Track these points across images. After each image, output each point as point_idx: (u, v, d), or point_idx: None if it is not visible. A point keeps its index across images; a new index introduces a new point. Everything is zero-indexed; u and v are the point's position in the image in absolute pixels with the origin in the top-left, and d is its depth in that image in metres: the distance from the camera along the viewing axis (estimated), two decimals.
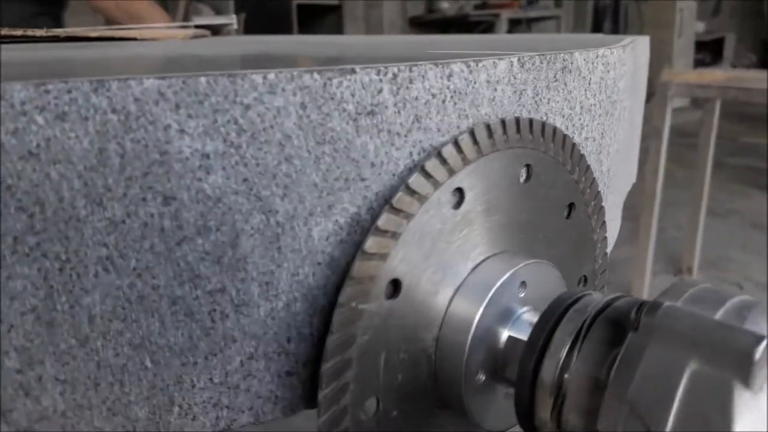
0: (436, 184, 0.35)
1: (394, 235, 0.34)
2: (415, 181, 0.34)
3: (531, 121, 0.39)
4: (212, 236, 0.31)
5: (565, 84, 0.42)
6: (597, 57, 0.44)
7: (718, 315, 0.28)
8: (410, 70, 0.33)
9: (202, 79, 0.29)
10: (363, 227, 0.35)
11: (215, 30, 1.33)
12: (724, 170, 4.45)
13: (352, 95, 0.32)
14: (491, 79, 0.36)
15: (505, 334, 0.38)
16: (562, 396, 0.32)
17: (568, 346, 0.33)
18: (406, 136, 0.34)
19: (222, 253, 0.31)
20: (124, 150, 0.28)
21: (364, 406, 0.35)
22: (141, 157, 0.29)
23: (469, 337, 0.37)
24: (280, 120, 0.31)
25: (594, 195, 0.46)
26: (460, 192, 0.37)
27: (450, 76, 0.35)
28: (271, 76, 0.30)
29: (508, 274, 0.38)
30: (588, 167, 0.45)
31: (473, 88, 0.36)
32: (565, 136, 0.42)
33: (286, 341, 0.34)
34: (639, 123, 0.76)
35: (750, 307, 0.29)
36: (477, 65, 0.35)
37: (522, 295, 0.39)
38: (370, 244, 0.33)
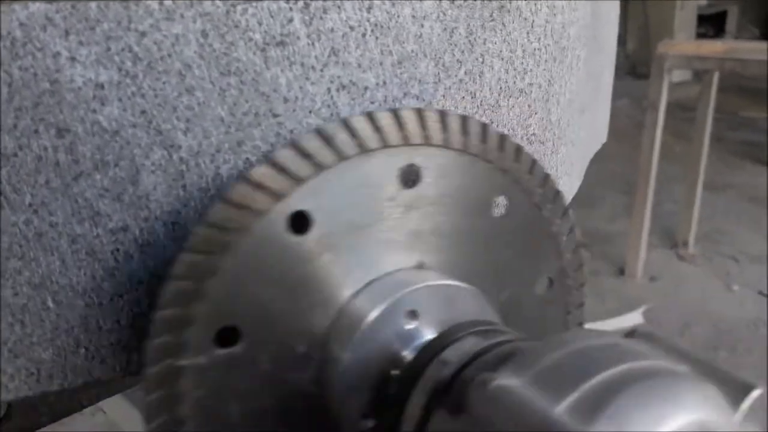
0: (263, 207, 0.30)
1: (209, 273, 0.29)
2: (239, 194, 0.29)
3: (419, 111, 0.33)
4: (111, 172, 0.30)
5: (504, 25, 0.40)
6: None
7: (561, 407, 0.23)
8: None
9: (93, 4, 0.28)
10: None
11: None
12: (723, 144, 4.40)
13: (259, 24, 0.30)
14: (417, 14, 0.35)
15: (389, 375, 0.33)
16: None
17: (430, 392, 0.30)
18: (321, 70, 0.33)
19: (122, 190, 0.30)
20: (11, 78, 0.27)
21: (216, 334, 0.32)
22: (30, 86, 0.28)
23: (344, 385, 0.33)
24: (179, 48, 0.29)
25: (541, 181, 0.39)
26: (301, 216, 0.31)
27: (370, 8, 0.33)
28: (168, 2, 0.29)
29: (384, 306, 0.33)
30: (520, 149, 0.38)
31: (396, 22, 0.34)
32: (466, 119, 0.35)
33: None
34: (608, 81, 0.74)
35: (619, 390, 0.23)
36: None
37: (411, 326, 0.34)
38: (167, 295, 0.29)
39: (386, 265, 0.34)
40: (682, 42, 3.31)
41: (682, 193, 3.09)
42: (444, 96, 0.38)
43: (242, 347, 0.31)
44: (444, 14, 0.37)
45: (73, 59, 0.28)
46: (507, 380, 0.25)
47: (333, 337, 0.33)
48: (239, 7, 0.30)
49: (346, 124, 0.31)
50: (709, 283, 2.75)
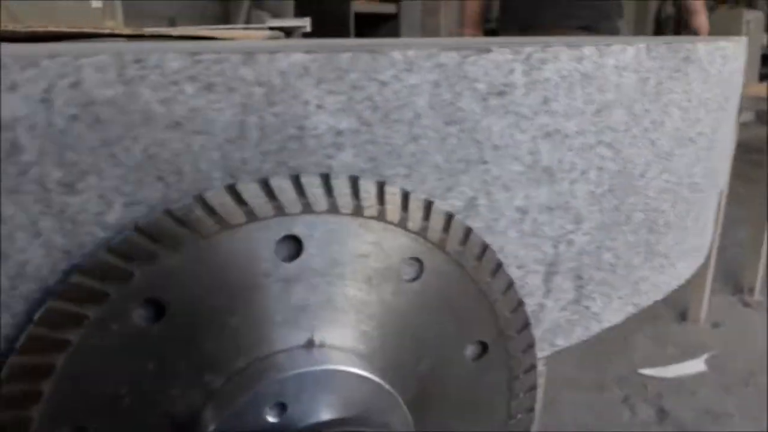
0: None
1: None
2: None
3: (295, 178, 0.30)
4: None
5: (687, 74, 0.40)
6: (716, 49, 0.42)
7: None
8: (543, 51, 0.32)
9: (345, 55, 0.29)
10: (478, 212, 0.34)
11: (288, 32, 1.36)
12: None
13: (485, 74, 0.31)
14: (619, 65, 0.35)
15: None
16: None
17: None
18: (532, 118, 0.33)
19: None
20: (263, 123, 0.29)
21: None
22: (279, 131, 0.29)
23: None
24: (413, 98, 0.30)
25: (461, 237, 0.34)
26: (153, 303, 0.28)
27: (581, 59, 0.34)
28: (411, 53, 0.30)
29: (247, 398, 0.29)
30: (430, 206, 0.33)
31: (602, 72, 0.35)
32: (356, 180, 0.31)
33: None
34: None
35: None
36: (607, 49, 0.35)
37: (274, 421, 0.30)
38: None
39: (266, 346, 0.30)
40: (748, 83, 3.26)
41: (747, 238, 3.00)
42: (630, 144, 0.38)
43: None
44: (640, 65, 0.37)
45: (320, 107, 0.29)
46: None
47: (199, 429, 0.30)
48: (470, 58, 0.31)
49: (202, 201, 0.28)
50: None
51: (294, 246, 0.30)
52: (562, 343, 0.40)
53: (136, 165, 0.27)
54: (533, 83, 0.33)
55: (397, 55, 0.30)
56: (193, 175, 0.28)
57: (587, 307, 0.40)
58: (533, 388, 0.39)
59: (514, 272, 0.36)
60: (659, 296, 0.47)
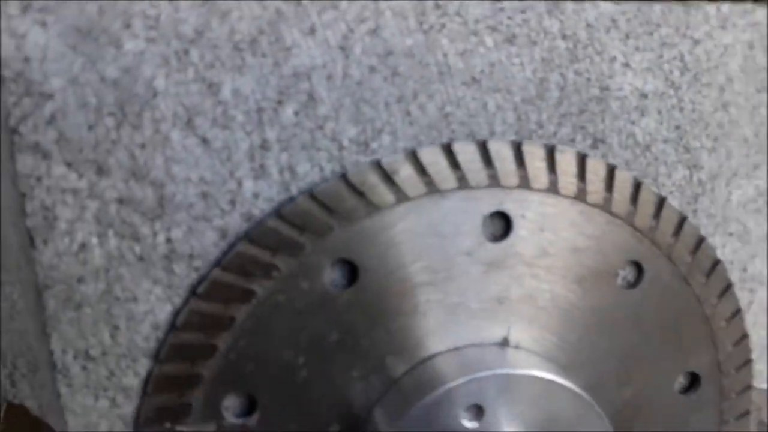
0: (298, 250, 0.24)
1: (221, 327, 0.24)
2: (266, 233, 0.24)
3: (516, 145, 0.26)
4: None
5: None
6: None
7: None
8: None
9: (657, 7, 0.25)
10: None
11: None
12: None
13: None
14: None
15: None
16: None
17: None
18: None
19: None
20: (565, 82, 0.25)
21: None
22: (581, 91, 0.25)
23: None
24: (725, 60, 0.26)
25: (692, 246, 0.29)
26: (347, 264, 0.25)
27: None
28: (725, 8, 0.26)
29: (440, 393, 0.25)
30: (663, 202, 0.28)
31: None
32: (585, 158, 0.27)
33: None
34: None
35: None
36: None
37: (471, 426, 0.26)
38: (170, 349, 0.24)
39: (456, 337, 0.27)
40: None
41: None
42: None
43: (258, 419, 0.25)
44: None
45: (626, 65, 0.26)
46: None
47: (376, 419, 0.26)
48: None
49: (414, 158, 0.24)
50: None
51: (503, 224, 0.26)
52: None
53: (429, 124, 0.25)
54: None
55: (710, 9, 0.26)
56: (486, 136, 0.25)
57: None
58: (747, 412, 0.32)
59: None
60: None
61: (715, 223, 0.28)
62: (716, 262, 0.29)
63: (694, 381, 0.31)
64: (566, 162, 0.26)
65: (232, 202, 0.23)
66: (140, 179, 0.23)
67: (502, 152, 0.25)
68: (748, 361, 0.31)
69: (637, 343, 0.29)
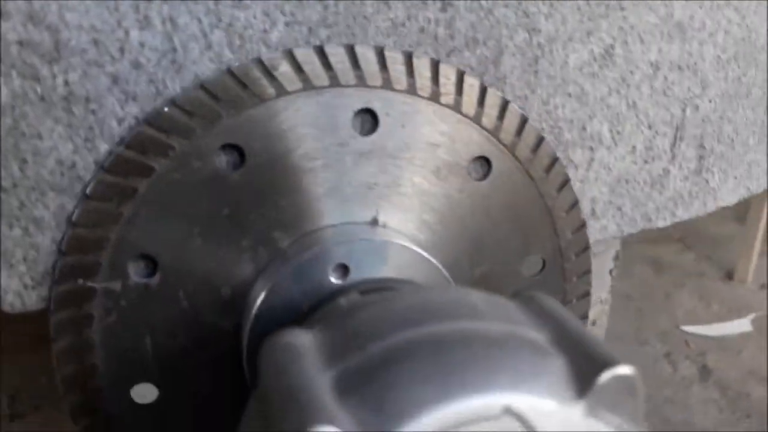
0: (205, 128, 0.28)
1: (126, 195, 0.28)
2: (161, 117, 0.27)
3: (379, 50, 0.30)
4: (479, 50, 0.31)
5: None
6: None
7: (326, 376, 0.19)
8: None
9: None
10: (614, 62, 0.34)
11: None
12: None
13: None
14: None
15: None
16: None
17: None
18: None
19: (485, 70, 0.31)
20: None
21: (130, 391, 0.31)
22: None
23: (255, 333, 0.30)
24: None
25: (533, 144, 0.33)
26: (235, 149, 0.29)
27: None
28: None
29: (311, 257, 0.30)
30: (506, 105, 0.32)
31: None
32: (438, 64, 0.31)
33: None
34: None
35: (399, 359, 0.19)
36: None
37: (338, 281, 0.30)
38: (81, 212, 0.28)
39: (332, 216, 0.31)
40: None
41: None
42: (755, 12, 0.37)
43: (158, 280, 0.29)
44: None
45: None
46: (294, 338, 0.21)
47: (257, 286, 0.30)
48: None
49: (291, 56, 0.28)
50: None
51: (371, 121, 0.30)
52: (681, 214, 0.40)
53: None
54: None
55: None
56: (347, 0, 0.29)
57: (707, 181, 0.40)
58: (584, 317, 0.38)
59: (644, 132, 0.36)
60: None
61: (555, 84, 0.32)
62: (555, 159, 0.34)
63: (542, 265, 0.35)
64: (422, 66, 0.30)
65: (121, 50, 0.26)
66: (37, 23, 0.25)
67: (367, 56, 0.29)
68: (586, 248, 0.36)
69: (487, 229, 0.34)
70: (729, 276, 2.74)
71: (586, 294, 0.37)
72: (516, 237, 0.34)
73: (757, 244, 2.61)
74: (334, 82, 0.29)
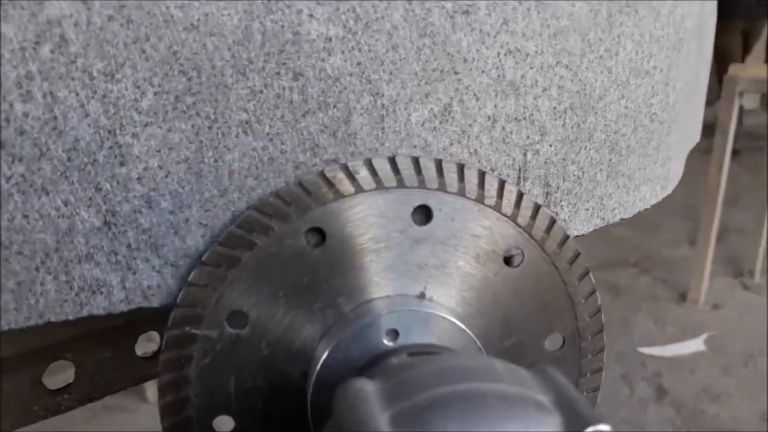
0: (287, 220, 0.36)
1: (232, 264, 0.36)
2: (267, 205, 0.36)
3: (438, 162, 0.38)
4: (330, 111, 0.36)
5: (636, 11, 0.46)
6: None
7: (386, 414, 0.26)
8: None
9: None
10: (453, 118, 0.40)
11: None
12: None
13: None
14: None
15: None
16: None
17: None
18: (495, 36, 0.39)
19: (337, 128, 0.37)
20: (264, 29, 0.34)
21: (214, 422, 0.38)
22: (278, 35, 0.35)
23: (314, 380, 0.37)
24: (389, 12, 0.36)
25: (559, 241, 0.41)
26: (319, 232, 0.37)
27: None
28: None
29: (367, 321, 0.37)
30: (538, 208, 0.41)
31: (554, 0, 0.40)
32: (484, 174, 0.39)
33: None
34: (704, 83, 0.78)
35: (443, 405, 0.26)
36: None
37: (389, 344, 0.37)
38: (196, 274, 0.35)
39: (388, 289, 0.39)
40: (754, 65, 3.28)
41: (748, 222, 3.03)
42: (587, 68, 0.44)
43: (247, 331, 0.37)
44: None
45: (311, 16, 0.35)
46: (362, 385, 0.28)
47: (323, 342, 0.38)
48: None
49: (369, 164, 0.37)
50: None
51: (426, 214, 0.38)
52: None
53: (161, 59, 0.33)
54: (494, 5, 0.39)
55: None
56: (209, 72, 0.34)
57: (556, 213, 0.46)
58: (597, 389, 0.45)
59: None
60: (625, 215, 0.53)
61: (401, 138, 0.38)
62: (577, 254, 0.42)
63: (561, 342, 0.43)
64: (471, 175, 0.39)
65: (7, 120, 0.31)
66: None
67: (427, 165, 0.38)
68: (601, 330, 0.44)
69: (516, 308, 0.41)
70: (683, 298, 2.83)
71: (599, 369, 0.45)
72: (541, 317, 0.42)
73: (708, 266, 2.71)
74: (401, 184, 0.37)
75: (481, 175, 0.39)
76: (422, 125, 0.39)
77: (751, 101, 2.56)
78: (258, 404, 0.38)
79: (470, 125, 0.40)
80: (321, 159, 0.37)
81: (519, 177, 0.43)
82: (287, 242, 0.36)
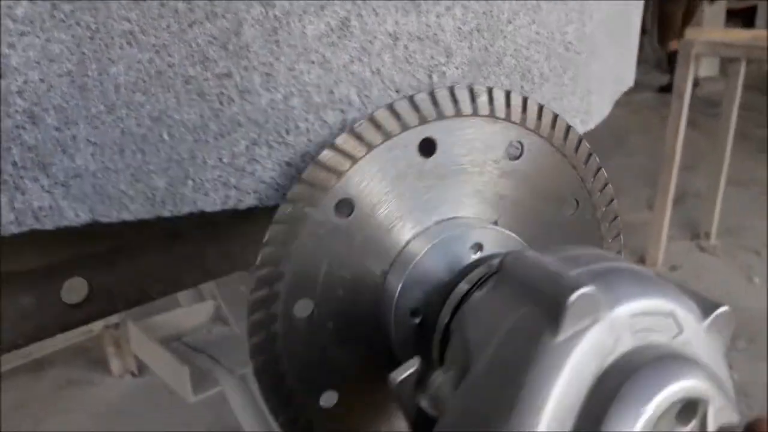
0: (405, 127, 0.38)
1: (352, 158, 0.37)
2: (381, 114, 0.37)
3: (525, 99, 0.41)
4: (219, 22, 0.36)
5: None
6: None
7: (573, 271, 0.29)
8: None
9: None
10: (352, 33, 0.39)
11: None
12: (750, 141, 4.39)
13: None
14: None
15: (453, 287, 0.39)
16: (447, 337, 0.36)
17: (461, 297, 0.37)
18: None
19: (227, 39, 0.36)
20: None
21: (296, 304, 0.39)
22: None
23: (405, 279, 0.40)
24: None
25: (564, 131, 0.45)
26: (430, 142, 0.39)
27: None
28: None
29: (460, 232, 0.40)
30: (542, 107, 0.44)
31: None
32: (556, 117, 0.43)
33: (285, 132, 0.39)
34: (636, 25, 0.79)
35: (614, 268, 0.30)
36: None
37: (475, 255, 0.41)
38: (326, 154, 0.37)
39: (470, 210, 0.43)
40: (710, 29, 3.33)
41: (704, 186, 3.09)
42: None
43: (349, 221, 0.39)
44: None
45: None
46: (535, 254, 0.31)
47: (411, 245, 0.41)
48: None
49: (489, 92, 0.40)
50: (730, 274, 2.76)
51: (519, 150, 0.42)
52: None
53: None
54: None
55: None
56: None
57: None
58: (618, 234, 0.50)
59: (393, 96, 0.41)
60: None
61: (297, 53, 0.37)
62: (569, 127, 0.45)
63: (576, 204, 0.47)
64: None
65: None
66: None
67: (533, 107, 0.42)
68: (612, 200, 0.48)
69: (531, 192, 0.45)
70: (641, 260, 2.89)
71: (618, 234, 0.51)
72: (554, 190, 0.46)
73: (665, 229, 2.77)
74: (508, 117, 0.42)
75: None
76: (319, 40, 0.38)
77: (709, 67, 2.60)
78: (339, 293, 0.39)
79: (371, 42, 0.40)
80: (213, 73, 0.36)
81: None
82: (400, 149, 0.38)
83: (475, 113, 0.39)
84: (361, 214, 0.38)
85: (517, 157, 0.42)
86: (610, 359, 0.26)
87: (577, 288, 0.26)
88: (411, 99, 0.37)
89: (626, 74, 0.81)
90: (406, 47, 0.41)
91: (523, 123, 0.42)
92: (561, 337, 0.25)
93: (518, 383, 0.25)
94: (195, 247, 0.47)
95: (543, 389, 0.24)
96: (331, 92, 0.39)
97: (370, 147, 0.37)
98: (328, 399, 0.40)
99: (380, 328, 0.40)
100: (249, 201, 0.39)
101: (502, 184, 0.42)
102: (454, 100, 0.39)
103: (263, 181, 0.39)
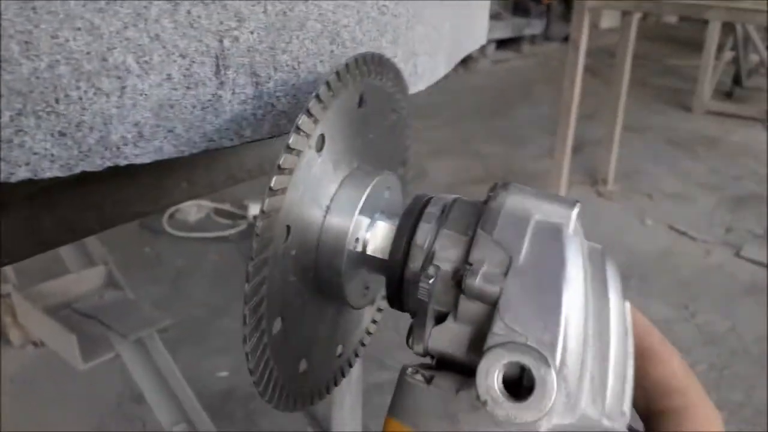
0: (308, 137, 0.39)
1: (284, 191, 0.38)
2: (294, 140, 0.38)
3: (371, 55, 0.43)
4: None
5: None
6: None
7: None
8: None
9: None
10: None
11: None
12: (646, 89, 4.60)
13: None
14: None
15: (379, 224, 0.43)
16: (432, 252, 0.39)
17: (436, 218, 0.40)
18: None
19: None
20: None
21: (273, 324, 0.40)
22: None
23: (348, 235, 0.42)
24: None
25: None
26: (322, 138, 0.41)
27: None
28: None
29: (373, 183, 0.43)
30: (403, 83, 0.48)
31: None
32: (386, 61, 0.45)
33: (55, 101, 0.38)
34: None
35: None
36: None
37: (387, 196, 0.44)
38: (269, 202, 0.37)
39: (351, 164, 0.44)
40: None
41: (602, 134, 3.24)
42: None
43: (290, 240, 0.40)
44: None
45: None
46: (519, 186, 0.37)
47: (343, 186, 0.43)
48: None
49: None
50: (625, 217, 2.93)
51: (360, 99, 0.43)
52: (250, 134, 0.45)
53: None
54: None
55: None
56: None
57: (273, 105, 0.46)
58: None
59: (178, 61, 0.40)
60: None
61: (60, 20, 0.35)
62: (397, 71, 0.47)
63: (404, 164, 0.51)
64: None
65: None
66: None
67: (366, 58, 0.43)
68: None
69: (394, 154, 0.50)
70: None
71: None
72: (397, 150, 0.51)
73: (564, 176, 2.90)
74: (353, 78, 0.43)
75: (379, 59, 0.44)
76: (84, 6, 0.36)
77: (611, 19, 2.67)
78: (290, 296, 0.42)
79: (145, 7, 0.38)
80: None
81: (217, 65, 0.42)
82: (308, 155, 0.40)
83: None
84: (329, 145, 0.42)
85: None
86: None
87: (575, 203, 0.36)
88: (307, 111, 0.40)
89: (478, 34, 0.83)
90: (188, 12, 0.40)
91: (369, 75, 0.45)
92: (573, 232, 0.35)
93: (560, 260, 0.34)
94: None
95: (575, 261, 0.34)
96: (104, 59, 0.38)
97: (292, 173, 0.40)
98: (276, 325, 0.41)
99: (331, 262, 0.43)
100: (21, 174, 0.38)
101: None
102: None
103: (35, 153, 0.38)
